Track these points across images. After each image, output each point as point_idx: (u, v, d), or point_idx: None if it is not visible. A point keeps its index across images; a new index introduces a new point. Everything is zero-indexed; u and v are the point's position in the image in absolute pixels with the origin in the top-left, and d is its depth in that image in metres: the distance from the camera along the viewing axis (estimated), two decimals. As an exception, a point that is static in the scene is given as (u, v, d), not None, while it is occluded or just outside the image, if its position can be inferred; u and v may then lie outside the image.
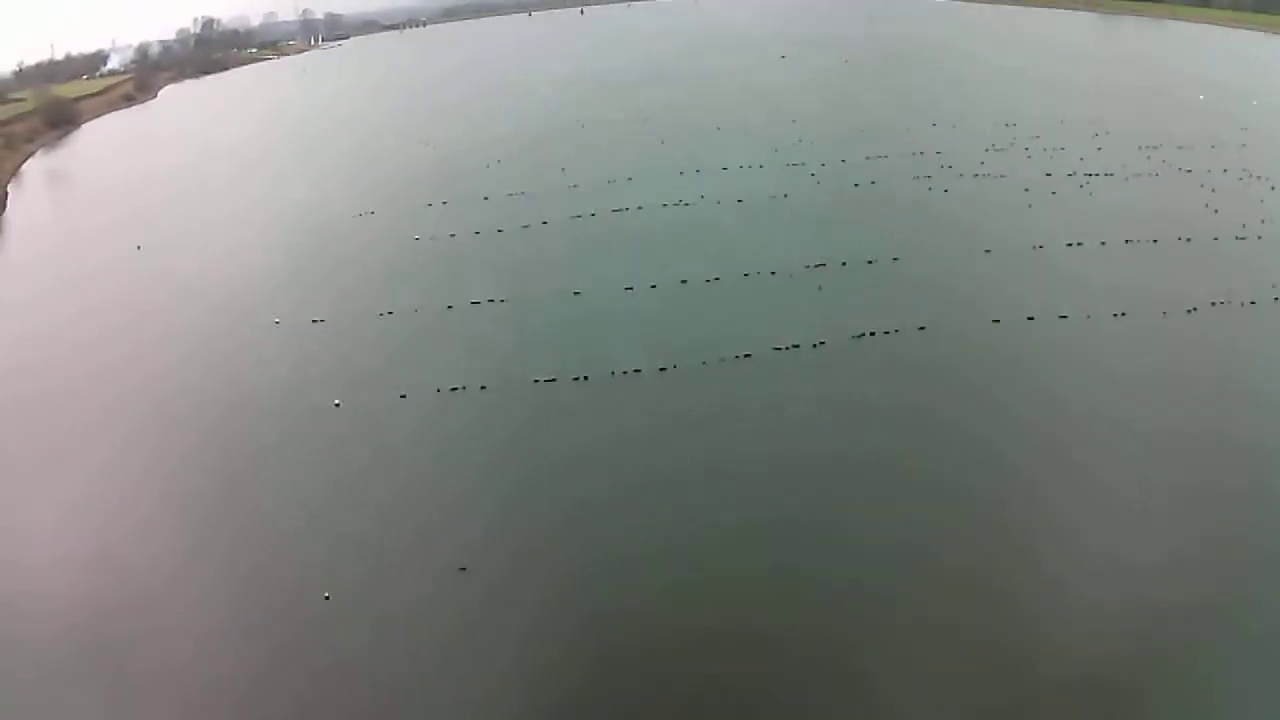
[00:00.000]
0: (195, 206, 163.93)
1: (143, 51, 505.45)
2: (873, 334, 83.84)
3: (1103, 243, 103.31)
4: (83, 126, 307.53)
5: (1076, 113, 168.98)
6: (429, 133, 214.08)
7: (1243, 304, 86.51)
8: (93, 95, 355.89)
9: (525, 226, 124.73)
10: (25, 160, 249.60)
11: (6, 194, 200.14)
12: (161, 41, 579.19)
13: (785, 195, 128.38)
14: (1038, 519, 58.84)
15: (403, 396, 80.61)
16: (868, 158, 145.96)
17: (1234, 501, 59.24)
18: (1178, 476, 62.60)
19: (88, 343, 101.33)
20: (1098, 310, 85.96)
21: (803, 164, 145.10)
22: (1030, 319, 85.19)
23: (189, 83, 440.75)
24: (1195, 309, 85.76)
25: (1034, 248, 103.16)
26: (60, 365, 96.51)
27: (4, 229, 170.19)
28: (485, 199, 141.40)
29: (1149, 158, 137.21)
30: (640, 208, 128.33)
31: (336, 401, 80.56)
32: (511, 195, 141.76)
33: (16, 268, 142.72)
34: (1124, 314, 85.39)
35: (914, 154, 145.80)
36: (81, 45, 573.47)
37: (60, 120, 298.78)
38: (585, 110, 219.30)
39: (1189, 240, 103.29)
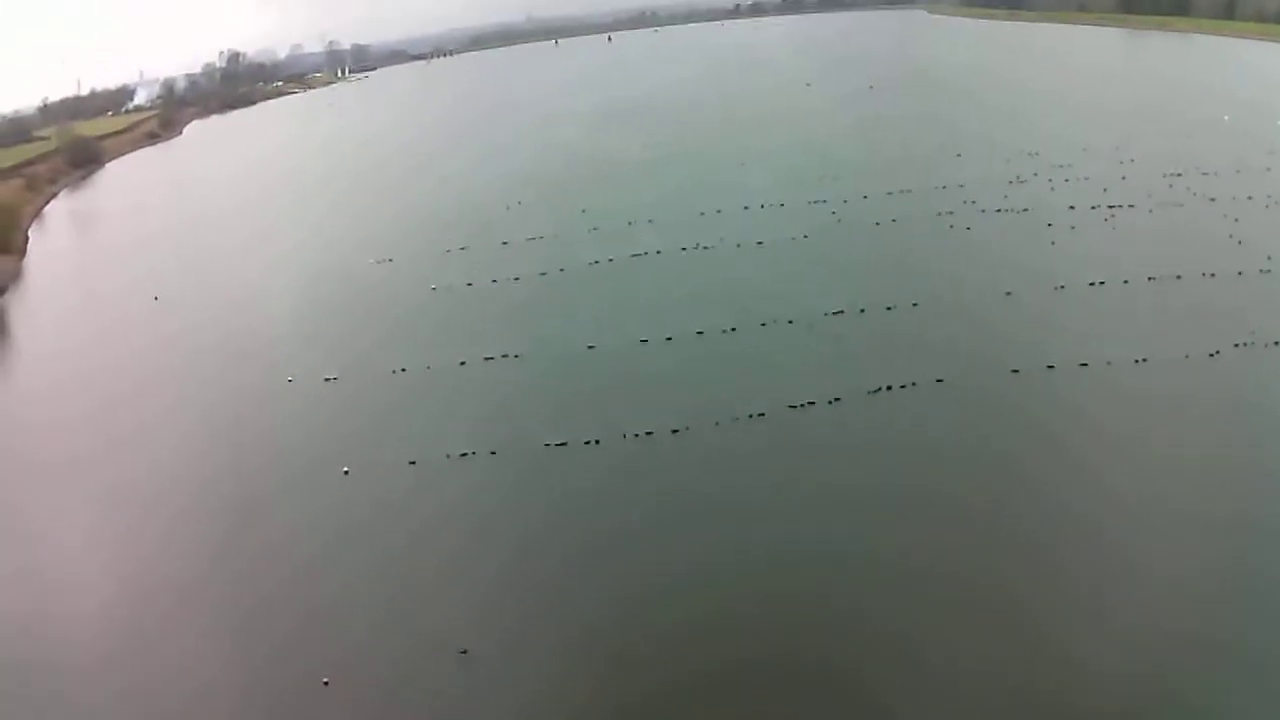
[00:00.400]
0: (214, 254, 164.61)
1: (168, 86, 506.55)
2: (889, 388, 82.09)
3: (1125, 281, 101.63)
4: (107, 166, 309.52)
5: (1100, 138, 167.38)
6: (451, 172, 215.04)
7: (1266, 345, 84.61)
8: (117, 133, 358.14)
9: (543, 274, 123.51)
10: (48, 202, 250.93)
11: (27, 239, 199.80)
12: (188, 75, 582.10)
13: (805, 236, 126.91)
14: (1057, 587, 57.09)
15: (412, 463, 79.39)
16: (889, 193, 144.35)
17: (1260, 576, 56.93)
18: (1197, 537, 60.91)
19: (96, 406, 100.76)
20: (1119, 356, 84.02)
21: (824, 201, 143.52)
22: (1050, 368, 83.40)
23: (214, 118, 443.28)
24: (1218, 352, 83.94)
25: (1056, 288, 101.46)
26: (66, 427, 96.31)
27: (25, 275, 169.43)
28: (504, 244, 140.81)
29: (1172, 185, 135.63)
30: (659, 252, 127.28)
31: (345, 469, 79.33)
32: (531, 240, 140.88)
33: (34, 319, 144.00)
34: (1145, 360, 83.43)
35: (937, 188, 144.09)
36: (108, 80, 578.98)
37: (84, 160, 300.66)
38: (609, 144, 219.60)
39: (1212, 275, 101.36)
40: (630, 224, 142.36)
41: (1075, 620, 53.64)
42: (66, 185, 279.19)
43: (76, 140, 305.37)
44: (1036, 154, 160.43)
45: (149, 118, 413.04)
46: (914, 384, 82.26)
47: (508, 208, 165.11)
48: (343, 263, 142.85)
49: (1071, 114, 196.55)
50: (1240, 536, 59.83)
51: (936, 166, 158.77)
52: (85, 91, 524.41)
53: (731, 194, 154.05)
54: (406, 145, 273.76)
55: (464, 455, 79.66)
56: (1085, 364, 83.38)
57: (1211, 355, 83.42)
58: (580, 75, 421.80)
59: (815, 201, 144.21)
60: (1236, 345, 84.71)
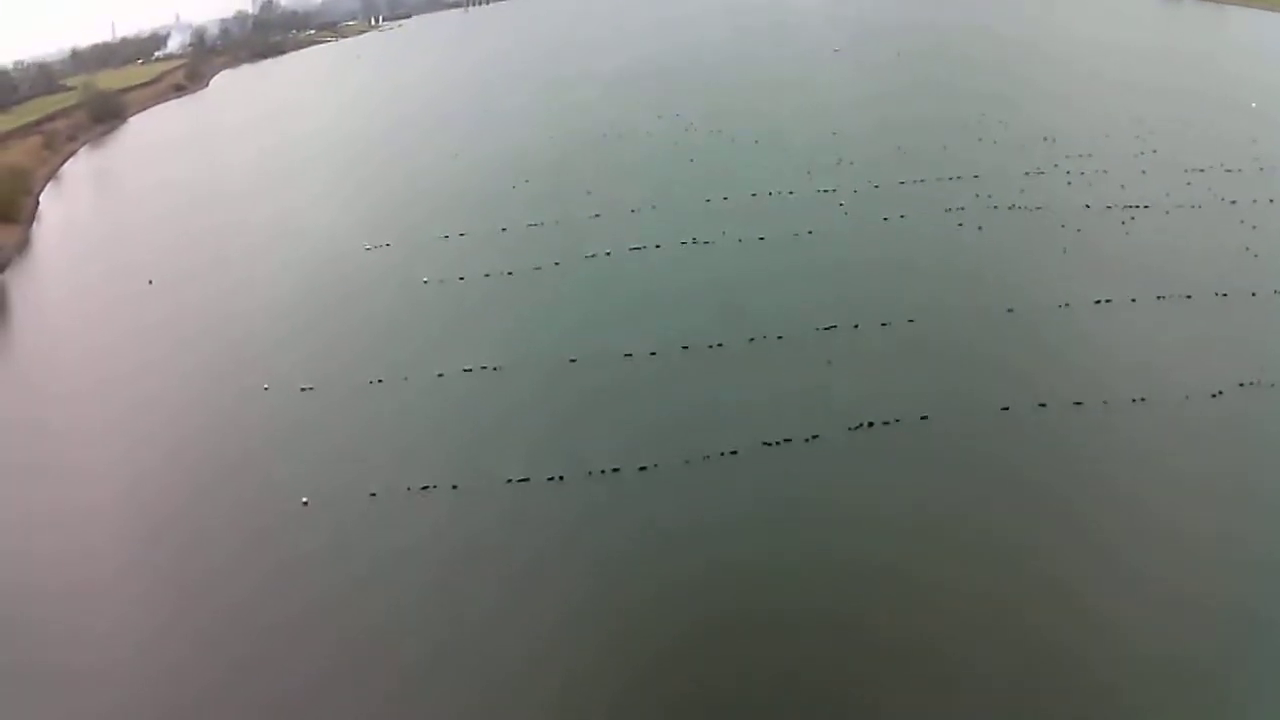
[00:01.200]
0: (214, 230, 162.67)
1: (199, 35, 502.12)
2: (871, 424, 78.62)
3: (1133, 299, 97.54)
4: (129, 120, 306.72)
5: (1122, 123, 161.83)
6: (464, 140, 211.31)
7: (1272, 385, 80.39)
8: (142, 85, 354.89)
9: (537, 269, 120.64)
10: (65, 161, 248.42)
11: (38, 204, 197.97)
12: (222, 20, 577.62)
13: (810, 233, 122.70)
14: (1039, 659, 54.85)
15: (372, 495, 77.27)
16: (902, 183, 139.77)
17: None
18: (1190, 584, 58.98)
19: (56, 407, 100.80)
20: (1116, 394, 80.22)
21: (834, 190, 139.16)
22: (1042, 406, 79.68)
23: (245, 68, 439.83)
24: (1221, 392, 79.78)
25: (1059, 306, 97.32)
26: (22, 426, 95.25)
27: (31, 245, 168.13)
28: (504, 230, 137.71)
29: (1192, 183, 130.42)
30: (658, 246, 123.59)
31: (304, 499, 77.25)
32: (531, 226, 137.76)
33: (27, 300, 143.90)
34: (1143, 399, 79.59)
35: (950, 178, 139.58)
36: (144, 23, 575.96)
37: (106, 114, 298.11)
38: (626, 114, 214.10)
39: (1224, 295, 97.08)
40: (634, 211, 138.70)
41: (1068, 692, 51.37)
42: (87, 142, 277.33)
43: (99, 95, 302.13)
44: (1055, 141, 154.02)
45: (177, 67, 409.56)
46: (897, 420, 78.76)
47: (514, 186, 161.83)
48: (338, 247, 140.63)
49: (1096, 92, 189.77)
50: (1238, 625, 56.58)
51: (954, 152, 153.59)
52: (120, 36, 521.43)
53: (742, 177, 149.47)
54: (424, 107, 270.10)
55: (425, 489, 77.30)
56: (1080, 403, 79.65)
57: (1214, 396, 79.51)
58: (613, 30, 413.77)
59: (825, 190, 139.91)
60: (1241, 385, 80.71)
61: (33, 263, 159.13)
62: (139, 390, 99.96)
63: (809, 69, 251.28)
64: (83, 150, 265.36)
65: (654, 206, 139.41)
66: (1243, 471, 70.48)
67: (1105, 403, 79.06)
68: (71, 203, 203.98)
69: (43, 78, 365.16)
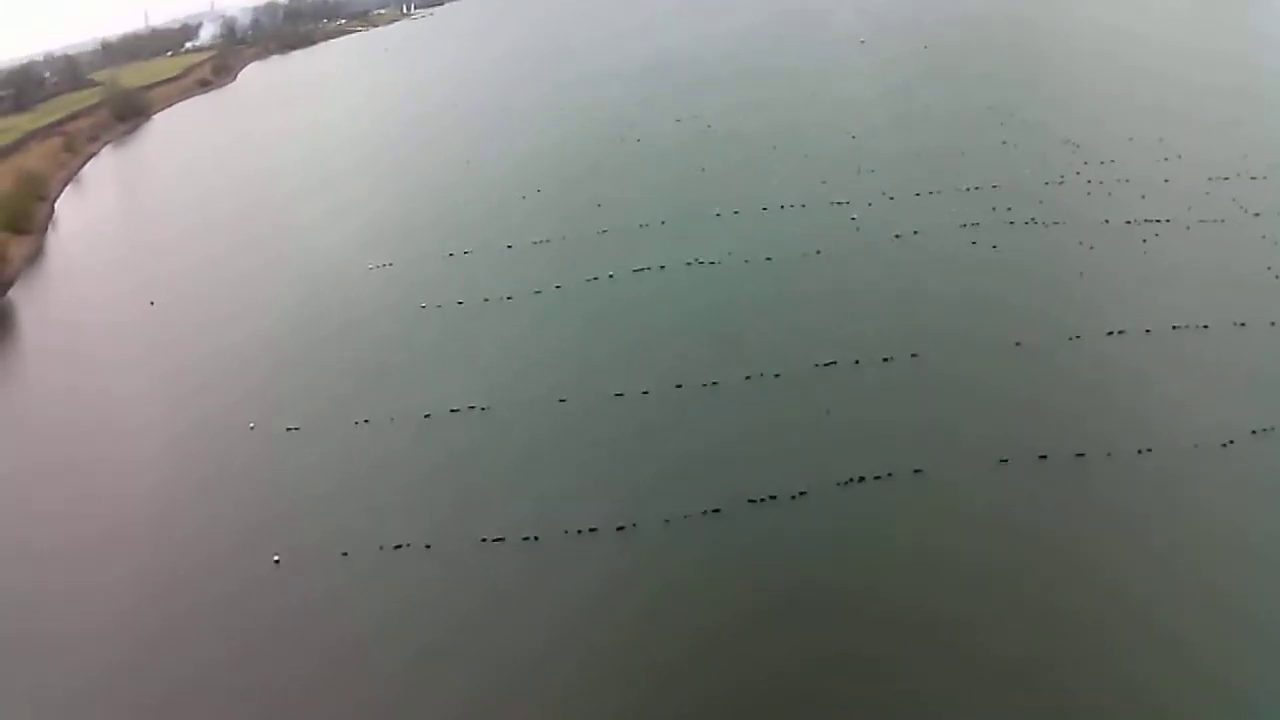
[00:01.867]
0: (221, 247, 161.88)
1: (229, 27, 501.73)
2: (861, 479, 75.13)
3: (1147, 330, 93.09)
4: (153, 118, 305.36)
5: (1147, 128, 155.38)
6: (477, 143, 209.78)
7: (1284, 431, 74.40)
8: (168, 81, 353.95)
9: (537, 292, 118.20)
10: (85, 163, 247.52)
11: (53, 213, 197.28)
12: (254, 8, 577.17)
13: (818, 252, 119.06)
14: None
15: (344, 554, 75.35)
16: (917, 194, 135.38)
17: None
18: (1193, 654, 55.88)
19: (40, 438, 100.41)
20: (1120, 444, 76.09)
21: (847, 203, 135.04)
22: (1042, 458, 75.61)
23: (273, 60, 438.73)
24: (1231, 441, 75.31)
25: (1070, 339, 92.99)
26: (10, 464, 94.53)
27: (43, 257, 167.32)
28: (509, 248, 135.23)
29: (1215, 194, 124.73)
30: (663, 267, 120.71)
31: (276, 557, 75.60)
32: (536, 243, 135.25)
33: (29, 320, 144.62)
34: (1149, 450, 75.29)
35: (968, 189, 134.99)
36: (179, 11, 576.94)
37: (129, 113, 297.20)
38: (644, 115, 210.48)
39: (1242, 325, 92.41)
40: (642, 226, 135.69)
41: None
42: (109, 141, 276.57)
43: (121, 93, 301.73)
44: (1078, 146, 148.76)
45: (205, 60, 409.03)
46: (890, 474, 75.28)
47: (524, 196, 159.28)
48: (343, 267, 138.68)
49: (1123, 88, 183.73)
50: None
51: (973, 157, 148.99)
52: (155, 24, 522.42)
53: (755, 188, 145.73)
54: (443, 104, 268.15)
55: (398, 547, 75.21)
56: (1082, 454, 75.52)
57: (1224, 445, 75.17)
58: (643, 18, 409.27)
59: (838, 203, 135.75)
60: (1254, 432, 76.23)
61: (42, 278, 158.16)
62: (124, 428, 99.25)
63: (834, 62, 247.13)
64: (105, 150, 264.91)
65: (663, 222, 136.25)
66: (1244, 530, 66.92)
67: (1109, 455, 75.13)
68: (86, 210, 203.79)
69: (69, 73, 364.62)
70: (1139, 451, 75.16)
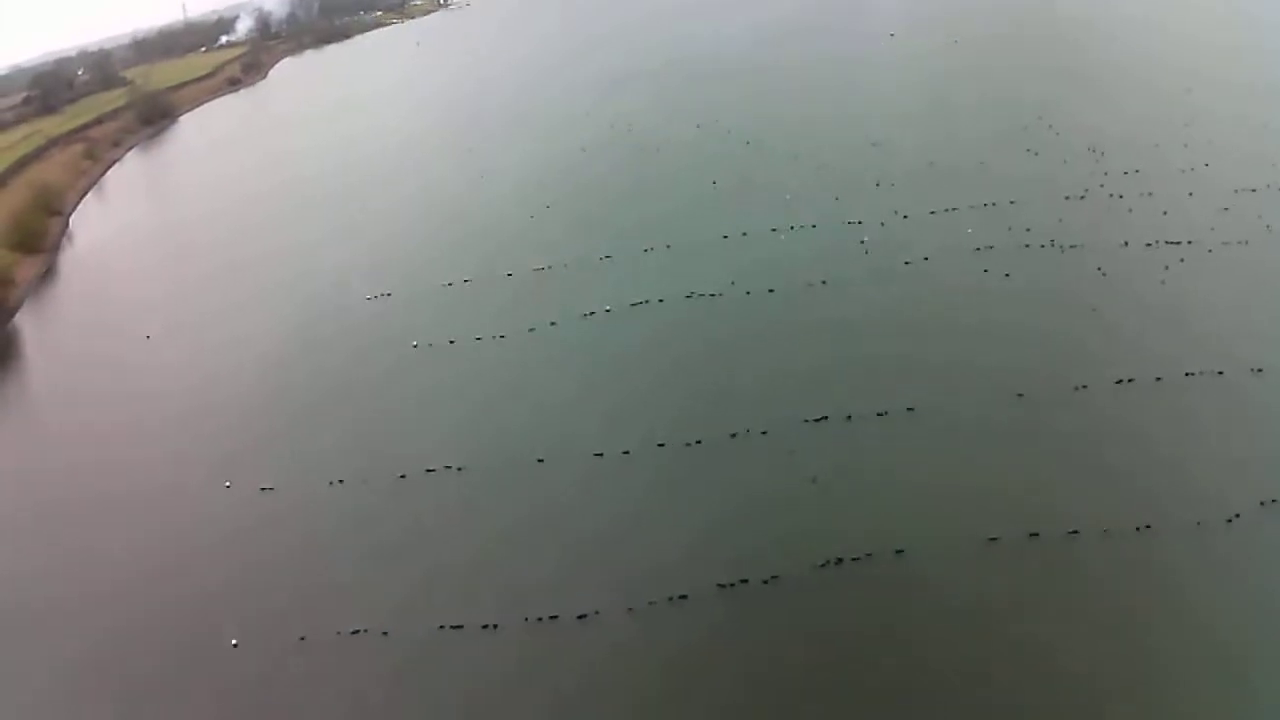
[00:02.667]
0: (225, 269, 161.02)
1: (263, 21, 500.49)
2: (839, 561, 71.01)
3: (1158, 378, 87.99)
4: (180, 120, 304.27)
5: (1173, 132, 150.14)
6: (493, 152, 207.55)
7: (1294, 504, 69.55)
8: (197, 80, 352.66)
9: (531, 330, 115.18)
10: (106, 170, 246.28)
11: (67, 228, 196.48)
12: (291, 1, 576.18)
13: (824, 282, 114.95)
14: None
15: (301, 639, 72.74)
16: (932, 212, 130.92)
17: None
18: None
19: (23, 486, 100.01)
20: (1120, 519, 71.31)
21: (860, 222, 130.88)
22: (1034, 535, 71.11)
23: (307, 55, 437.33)
24: (1238, 516, 70.46)
25: (1075, 389, 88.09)
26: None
27: (53, 276, 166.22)
28: (509, 276, 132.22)
29: (1242, 209, 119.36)
30: (661, 300, 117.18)
31: (234, 641, 73.38)
32: (537, 271, 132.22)
33: (27, 352, 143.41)
34: (1148, 527, 70.52)
35: (985, 205, 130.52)
36: (216, 3, 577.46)
37: (155, 115, 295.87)
38: (664, 122, 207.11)
39: (1259, 371, 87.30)
40: (647, 251, 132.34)
41: None
42: (134, 146, 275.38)
43: (147, 96, 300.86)
44: (1103, 154, 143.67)
45: (237, 57, 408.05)
46: (869, 555, 71.03)
47: (532, 215, 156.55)
48: (340, 298, 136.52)
49: (1153, 86, 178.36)
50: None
51: (993, 168, 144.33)
52: (192, 15, 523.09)
53: (767, 206, 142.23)
54: (465, 106, 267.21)
55: (355, 633, 72.43)
56: (1075, 531, 71.03)
57: (1229, 520, 70.30)
58: (674, 9, 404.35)
59: (850, 223, 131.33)
60: (1263, 504, 71.31)
61: (50, 301, 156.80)
62: (98, 484, 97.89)
63: (862, 57, 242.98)
64: (129, 156, 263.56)
65: (668, 246, 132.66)
66: (1250, 623, 62.26)
67: (1105, 532, 70.55)
68: (102, 224, 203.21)
69: (101, 70, 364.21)
70: (1137, 529, 70.46)
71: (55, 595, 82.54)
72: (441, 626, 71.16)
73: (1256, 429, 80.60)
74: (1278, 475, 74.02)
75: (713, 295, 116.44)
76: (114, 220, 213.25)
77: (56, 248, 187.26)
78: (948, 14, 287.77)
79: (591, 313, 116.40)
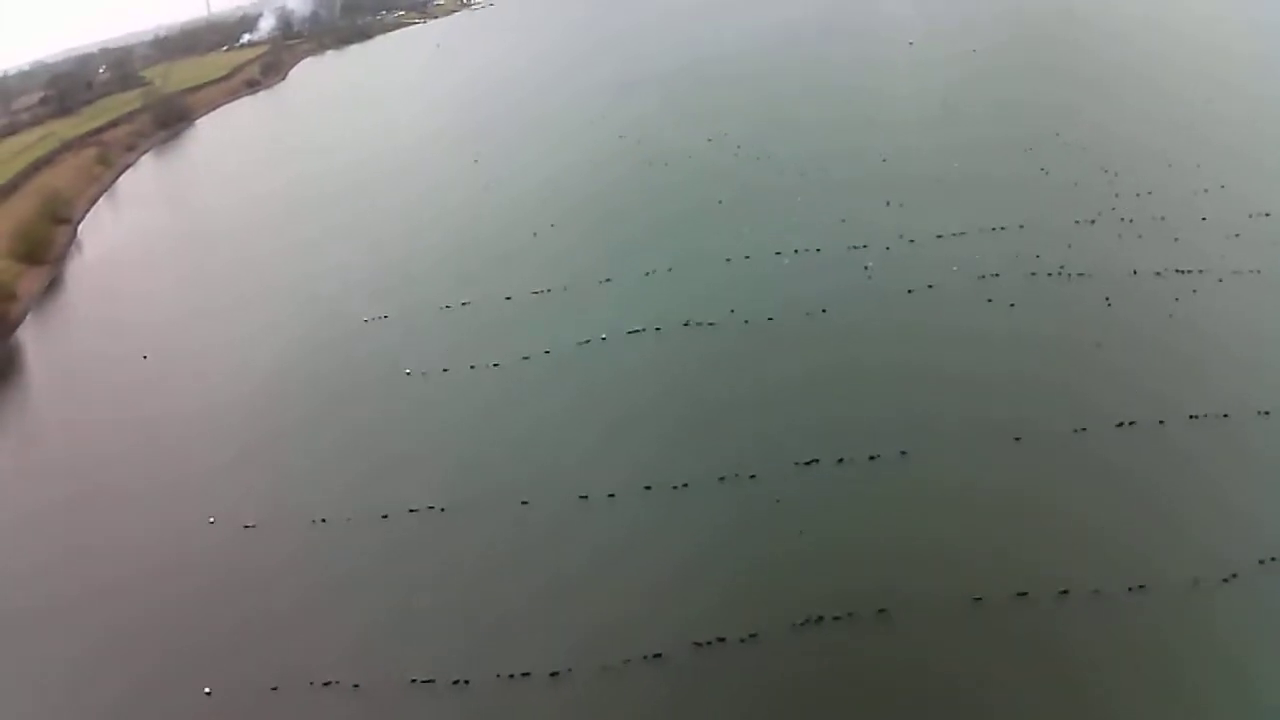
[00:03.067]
0: (220, 290, 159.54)
1: (284, 20, 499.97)
2: (820, 619, 69.18)
3: (1161, 422, 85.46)
4: (196, 124, 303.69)
5: (1188, 151, 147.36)
6: (500, 164, 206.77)
7: (1302, 564, 67.08)
8: (214, 82, 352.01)
9: (525, 358, 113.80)
10: (119, 176, 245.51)
11: (75, 236, 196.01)
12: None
13: (824, 311, 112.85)
14: None
15: (274, 689, 71.75)
16: (939, 236, 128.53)
17: None
18: None
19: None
20: (1111, 578, 68.93)
21: (865, 246, 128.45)
22: (1022, 595, 68.90)
23: (327, 56, 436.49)
24: (1235, 575, 68.05)
25: (1075, 431, 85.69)
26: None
27: (57, 288, 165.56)
28: (507, 299, 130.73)
29: (1253, 235, 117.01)
30: (659, 329, 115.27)
31: (207, 690, 72.53)
32: (536, 294, 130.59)
33: (33, 364, 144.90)
34: (1141, 587, 68.18)
35: (993, 229, 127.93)
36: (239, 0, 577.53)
37: (171, 119, 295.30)
38: (675, 134, 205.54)
39: (1266, 414, 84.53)
40: (648, 274, 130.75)
41: None
42: (148, 150, 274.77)
43: (163, 100, 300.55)
44: (1116, 175, 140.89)
45: (257, 57, 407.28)
46: (850, 614, 69.15)
47: (535, 234, 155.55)
48: (338, 321, 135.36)
49: (1167, 96, 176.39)
50: None
51: (1004, 188, 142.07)
52: (216, 10, 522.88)
53: (773, 227, 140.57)
54: (476, 113, 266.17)
55: (327, 684, 71.31)
56: (1065, 591, 68.75)
57: (1225, 580, 68.00)
58: (695, 8, 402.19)
59: (855, 246, 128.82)
60: (1261, 562, 68.95)
61: (50, 318, 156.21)
62: (81, 517, 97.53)
63: (879, 65, 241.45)
64: (143, 160, 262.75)
65: (670, 269, 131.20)
66: (1244, 694, 59.97)
67: (1096, 592, 68.35)
68: (110, 233, 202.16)
69: (119, 70, 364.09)
70: (1130, 589, 68.15)
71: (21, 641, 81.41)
72: (413, 680, 69.91)
73: (1258, 479, 78.30)
74: (1273, 529, 71.03)
75: (711, 324, 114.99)
76: (122, 229, 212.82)
77: (63, 258, 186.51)
78: (968, 20, 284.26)
79: (587, 340, 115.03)
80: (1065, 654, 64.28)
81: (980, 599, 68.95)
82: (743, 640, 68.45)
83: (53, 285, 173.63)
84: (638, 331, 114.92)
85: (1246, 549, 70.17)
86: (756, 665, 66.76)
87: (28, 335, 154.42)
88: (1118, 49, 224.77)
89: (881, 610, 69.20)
